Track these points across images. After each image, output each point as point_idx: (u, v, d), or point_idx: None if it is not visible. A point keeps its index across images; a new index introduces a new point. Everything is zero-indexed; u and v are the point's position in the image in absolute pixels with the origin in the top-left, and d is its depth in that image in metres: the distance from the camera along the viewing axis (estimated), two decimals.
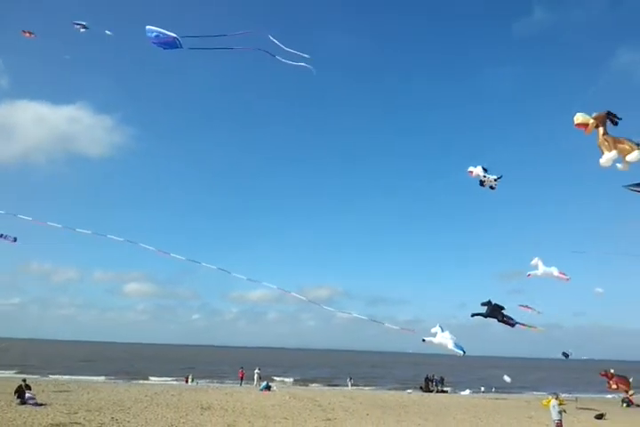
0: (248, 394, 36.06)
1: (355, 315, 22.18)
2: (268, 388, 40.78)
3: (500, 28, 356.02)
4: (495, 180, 21.74)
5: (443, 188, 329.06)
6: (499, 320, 36.56)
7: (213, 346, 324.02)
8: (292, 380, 64.33)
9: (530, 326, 37.97)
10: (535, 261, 31.15)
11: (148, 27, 13.26)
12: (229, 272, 19.98)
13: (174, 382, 51.28)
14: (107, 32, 14.85)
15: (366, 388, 56.84)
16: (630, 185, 18.11)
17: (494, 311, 36.61)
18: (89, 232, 16.47)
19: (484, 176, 21.59)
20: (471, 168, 21.84)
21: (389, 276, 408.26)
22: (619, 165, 13.86)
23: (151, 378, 57.43)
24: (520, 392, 55.11)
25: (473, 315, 37.37)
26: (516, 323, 36.71)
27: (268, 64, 13.81)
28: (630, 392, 40.61)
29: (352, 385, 54.78)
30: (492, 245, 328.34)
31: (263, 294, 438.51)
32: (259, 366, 53.24)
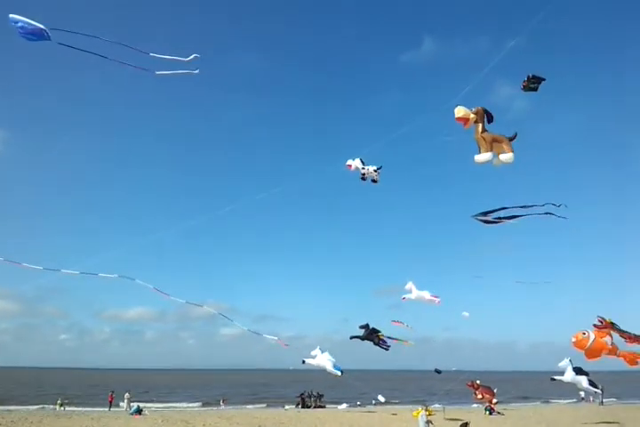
0: (116, 419, 33.97)
1: (234, 323, 21.54)
2: (139, 412, 38.71)
3: (391, 56, 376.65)
4: (375, 171, 21.12)
5: (326, 204, 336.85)
6: (374, 343, 37.73)
7: (84, 368, 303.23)
8: (166, 403, 61.60)
9: (401, 341, 39.47)
10: (409, 285, 32.41)
11: (11, 15, 12.17)
12: (96, 274, 18.81)
13: (35, 409, 47.21)
14: None
15: (247, 407, 55.88)
16: (478, 214, 19.40)
17: (371, 335, 37.81)
18: None
19: (364, 168, 20.98)
20: (349, 161, 20.97)
21: (276, 292, 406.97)
22: (494, 161, 14.41)
23: (10, 405, 52.39)
24: (395, 404, 56.75)
25: (351, 337, 38.39)
26: (389, 341, 37.79)
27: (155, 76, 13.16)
28: (494, 401, 43.21)
29: (226, 405, 53.74)
30: (371, 261, 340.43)
31: (140, 313, 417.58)
32: (132, 388, 50.60)
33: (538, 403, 62.91)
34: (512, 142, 13.87)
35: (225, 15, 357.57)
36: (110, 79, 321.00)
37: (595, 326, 30.75)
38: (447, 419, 34.40)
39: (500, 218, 19.13)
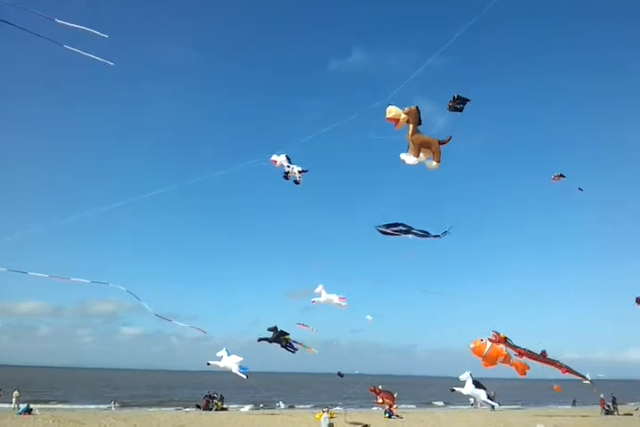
0: (3, 419, 31.90)
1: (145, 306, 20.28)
2: (28, 411, 36.51)
3: (320, 63, 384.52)
4: (300, 172, 20.26)
5: (238, 204, 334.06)
6: (282, 346, 37.80)
7: None
8: (59, 403, 58.42)
9: (305, 347, 39.94)
10: (319, 288, 33.11)
11: None
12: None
13: None
14: None
15: (146, 408, 54.11)
16: (381, 226, 20.28)
17: (279, 337, 37.89)
18: None
19: (289, 166, 20.01)
20: (274, 157, 19.92)
21: (182, 291, 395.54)
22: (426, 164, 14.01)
23: None
24: (299, 407, 56.98)
25: (260, 339, 38.18)
26: (296, 346, 38.27)
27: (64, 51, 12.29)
28: (394, 405, 44.49)
29: (118, 406, 51.90)
30: (284, 263, 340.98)
31: (34, 307, 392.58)
32: (22, 386, 47.64)
33: (434, 407, 65.26)
34: (444, 145, 13.53)
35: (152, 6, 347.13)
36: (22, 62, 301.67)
37: (489, 340, 32.81)
38: (348, 422, 34.95)
39: (399, 232, 20.27)
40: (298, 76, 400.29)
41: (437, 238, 20.79)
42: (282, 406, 45.17)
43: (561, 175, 34.30)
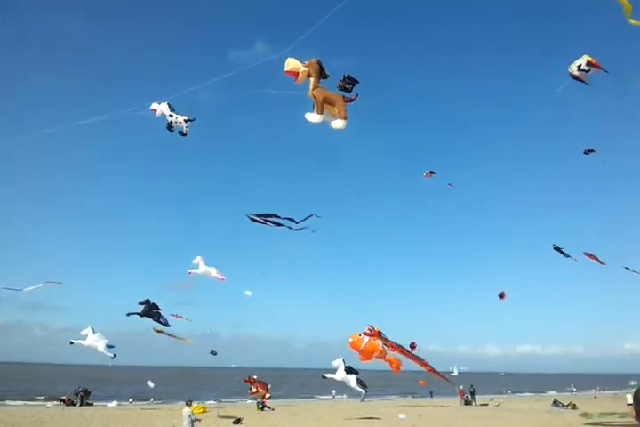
0: None
1: None
2: None
3: (219, 53, 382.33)
4: (185, 121, 18.26)
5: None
6: (154, 320, 35.76)
7: None
8: None
9: (179, 338, 38.56)
10: (197, 259, 31.39)
11: None
12: None
13: None
14: None
15: (7, 405, 49.84)
16: (251, 214, 20.61)
17: (151, 311, 35.71)
18: None
19: (171, 115, 17.92)
20: (154, 105, 17.83)
21: (48, 278, 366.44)
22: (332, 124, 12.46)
23: None
24: (170, 402, 55.40)
25: (128, 314, 35.51)
26: (168, 326, 36.45)
27: None
28: (267, 396, 44.67)
29: None
30: (157, 255, 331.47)
31: None
32: None
33: (309, 398, 66.21)
34: (350, 104, 12.54)
35: None
36: None
37: (364, 333, 34.01)
38: (221, 416, 34.58)
39: (266, 221, 20.78)
40: (195, 62, 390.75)
41: (306, 226, 21.26)
42: (150, 386, 43.88)
43: (432, 172, 36.50)
